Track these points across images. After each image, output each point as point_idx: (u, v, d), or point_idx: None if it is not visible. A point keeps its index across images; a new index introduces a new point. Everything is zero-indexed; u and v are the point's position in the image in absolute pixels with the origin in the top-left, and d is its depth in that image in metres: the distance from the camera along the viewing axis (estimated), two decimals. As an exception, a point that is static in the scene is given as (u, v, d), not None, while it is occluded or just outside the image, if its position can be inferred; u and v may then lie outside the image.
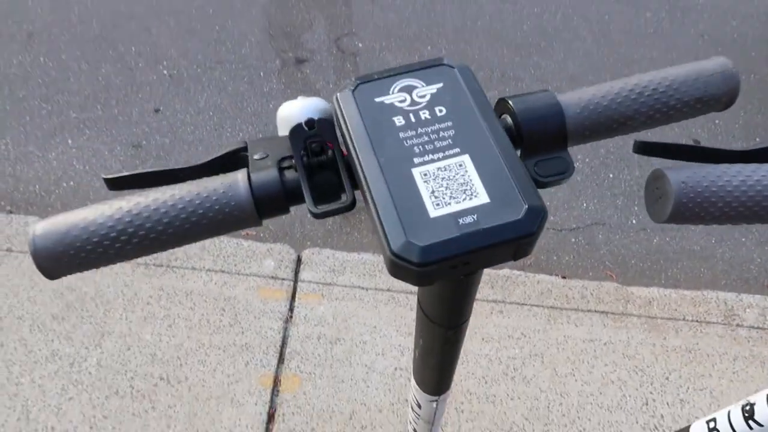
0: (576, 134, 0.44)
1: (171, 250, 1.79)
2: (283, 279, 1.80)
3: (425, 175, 0.37)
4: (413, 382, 0.66)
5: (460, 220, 0.35)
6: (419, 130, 0.39)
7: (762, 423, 0.64)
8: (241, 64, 2.67)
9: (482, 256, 0.35)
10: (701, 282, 2.09)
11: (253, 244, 1.90)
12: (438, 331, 0.51)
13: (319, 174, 0.41)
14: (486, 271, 1.92)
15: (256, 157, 0.43)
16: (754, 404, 0.66)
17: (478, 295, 1.82)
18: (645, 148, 0.50)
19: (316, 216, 0.39)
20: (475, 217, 0.35)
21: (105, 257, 0.39)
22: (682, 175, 0.42)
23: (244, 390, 1.52)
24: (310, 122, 0.41)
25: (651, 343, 1.77)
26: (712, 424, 0.73)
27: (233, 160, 0.45)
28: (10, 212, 1.98)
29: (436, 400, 0.66)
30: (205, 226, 0.40)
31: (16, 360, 1.53)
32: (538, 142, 0.43)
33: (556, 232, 2.24)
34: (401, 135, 0.39)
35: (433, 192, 0.36)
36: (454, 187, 0.36)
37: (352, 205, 0.40)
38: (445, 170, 0.37)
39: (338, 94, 0.42)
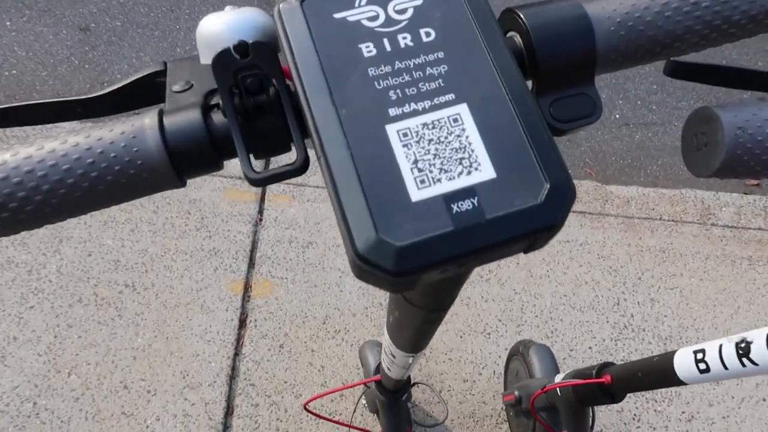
0: (607, 60, 0.33)
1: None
2: (251, 180, 1.71)
3: (405, 135, 0.26)
4: (387, 336, 0.60)
5: (455, 207, 0.25)
6: (397, 64, 0.27)
7: (758, 362, 0.61)
8: (196, -67, 2.37)
9: (483, 256, 0.26)
10: (680, 180, 2.05)
11: (217, 141, 1.78)
12: (417, 313, 0.44)
13: (259, 119, 0.30)
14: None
15: (175, 88, 0.32)
16: (751, 342, 0.62)
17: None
18: (680, 70, 0.40)
19: (253, 183, 0.30)
20: (475, 201, 0.25)
21: None
22: (738, 119, 0.33)
23: (213, 296, 1.48)
24: (242, 47, 0.29)
25: (626, 243, 1.76)
26: (699, 356, 0.70)
27: (150, 90, 0.34)
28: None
29: (413, 356, 0.61)
30: (105, 192, 0.29)
31: (-31, 268, 1.45)
32: (558, 72, 0.32)
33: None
34: (371, 72, 0.27)
35: (416, 162, 0.25)
36: (446, 155, 0.25)
37: (305, 166, 0.30)
38: (434, 128, 0.26)
39: (280, 5, 0.29)
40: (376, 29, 0.28)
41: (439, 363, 1.45)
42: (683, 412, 1.46)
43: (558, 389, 1.07)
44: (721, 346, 0.67)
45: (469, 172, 0.25)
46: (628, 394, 1.01)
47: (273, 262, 1.56)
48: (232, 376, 1.37)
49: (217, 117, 0.30)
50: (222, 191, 1.67)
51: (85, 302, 1.43)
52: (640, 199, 1.87)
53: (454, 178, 0.25)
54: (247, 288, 1.51)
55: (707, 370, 0.69)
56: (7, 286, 1.43)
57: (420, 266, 0.24)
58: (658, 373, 0.80)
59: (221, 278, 1.51)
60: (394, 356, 0.65)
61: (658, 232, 1.79)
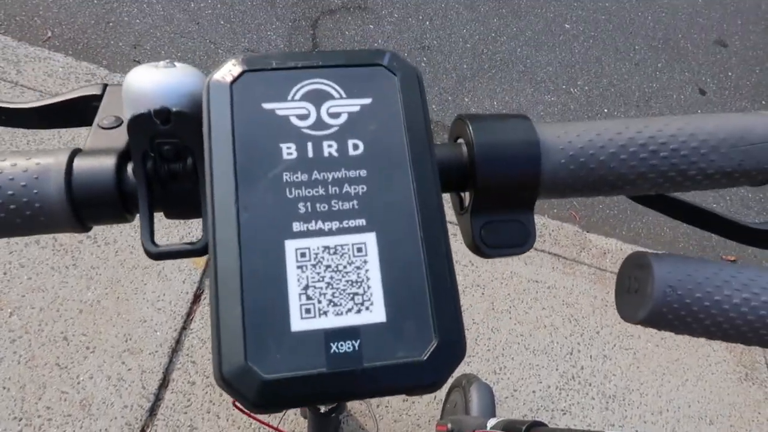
0: (551, 190, 0.32)
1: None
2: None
3: (303, 255, 0.24)
4: None
5: (334, 346, 0.23)
6: (315, 174, 0.25)
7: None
8: None
9: (353, 398, 0.24)
10: (660, 241, 2.06)
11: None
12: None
13: (174, 184, 0.29)
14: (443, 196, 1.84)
15: (104, 123, 0.30)
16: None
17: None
18: (641, 197, 0.39)
19: (151, 256, 0.28)
20: (357, 344, 0.23)
21: None
22: (671, 276, 0.31)
23: (173, 265, 1.46)
24: (163, 113, 0.27)
25: (593, 295, 1.76)
26: None
27: (83, 111, 0.32)
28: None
29: None
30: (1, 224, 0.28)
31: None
32: (497, 194, 0.30)
33: (532, 160, 2.14)
34: (285, 177, 0.25)
35: (306, 288, 0.23)
36: (340, 286, 0.24)
37: (205, 249, 0.28)
38: (335, 253, 0.24)
39: (211, 78, 0.27)
40: (303, 130, 0.26)
41: (383, 377, 1.45)
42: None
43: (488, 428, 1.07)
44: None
45: (359, 311, 0.24)
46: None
47: (241, 243, 1.54)
48: (175, 349, 1.36)
49: (131, 173, 0.28)
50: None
51: (42, 245, 1.40)
52: (616, 253, 1.88)
53: (341, 314, 0.23)
54: (208, 264, 1.49)
55: None
56: (-33, 211, 1.39)
57: (283, 403, 0.23)
58: None
59: (185, 248, 1.49)
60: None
61: (626, 289, 1.79)
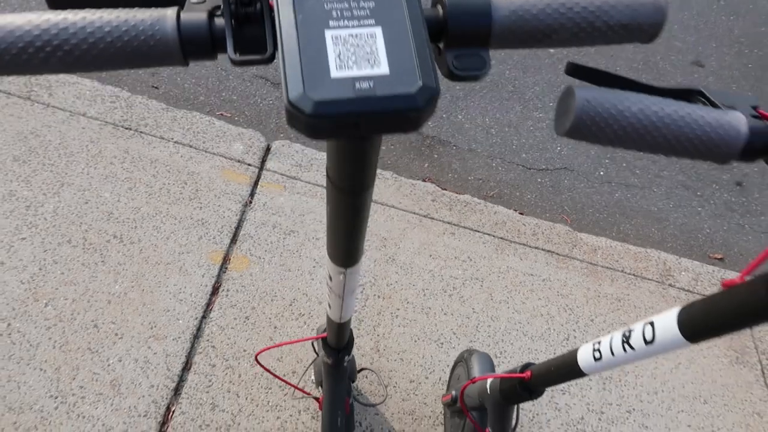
0: (500, 37, 0.46)
1: (140, 118, 1.79)
2: (249, 164, 1.82)
3: (336, 38, 0.38)
4: (327, 255, 0.71)
5: (357, 84, 0.36)
6: None
7: (635, 347, 0.72)
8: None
9: (372, 122, 0.37)
10: (649, 241, 2.17)
11: (225, 125, 1.90)
12: (342, 197, 0.55)
13: (246, 26, 0.42)
14: (446, 193, 1.97)
15: (194, 0, 0.44)
16: (632, 330, 0.73)
17: (433, 214, 1.87)
18: (575, 71, 0.52)
19: (234, 63, 0.41)
20: (371, 83, 0.37)
21: (27, 65, 0.41)
22: (588, 94, 0.45)
23: (193, 261, 1.57)
24: None
25: (586, 287, 1.86)
26: (596, 346, 0.81)
27: None
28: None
29: (344, 273, 0.71)
30: (129, 55, 0.41)
31: (-27, 194, 1.55)
32: (462, 36, 0.45)
33: (524, 170, 2.28)
34: None
35: (339, 55, 0.37)
36: (359, 54, 0.38)
37: (271, 58, 0.42)
38: (356, 38, 0.38)
39: None
40: None
41: (390, 361, 1.54)
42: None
43: (488, 387, 1.16)
44: (612, 337, 0.77)
45: (372, 67, 0.38)
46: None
47: (254, 242, 1.66)
48: (196, 336, 1.46)
49: (218, 22, 0.42)
50: (220, 170, 1.78)
51: (74, 244, 1.52)
52: (606, 249, 1.99)
53: (361, 68, 0.38)
54: (225, 260, 1.61)
55: (600, 358, 0.79)
56: (5, 216, 1.53)
57: (328, 114, 0.36)
58: (565, 367, 0.90)
59: (203, 247, 1.61)
60: (330, 278, 0.74)
61: (617, 282, 1.90)
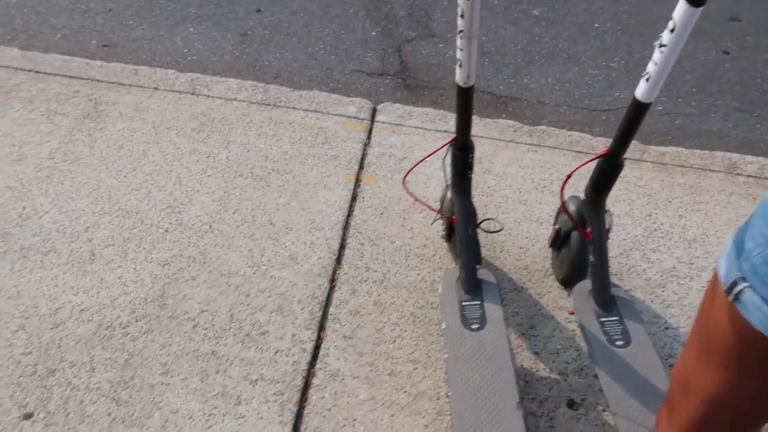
0: None
1: (275, 97, 2.30)
2: (363, 119, 2.28)
3: None
4: None
5: None
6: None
7: (665, 43, 1.07)
8: (327, -23, 3.16)
9: None
10: (713, 153, 2.44)
11: (339, 96, 2.39)
12: None
13: None
14: (524, 126, 2.35)
15: None
16: (660, 36, 1.08)
17: (516, 140, 2.25)
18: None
19: None
20: None
21: None
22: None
23: (333, 181, 2.01)
24: None
25: (660, 179, 2.16)
26: (644, 75, 1.16)
27: None
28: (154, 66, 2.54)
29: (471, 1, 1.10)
30: None
31: (169, 152, 2.07)
32: None
33: (589, 112, 2.63)
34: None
35: None
36: None
37: None
38: None
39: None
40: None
41: (500, 236, 1.88)
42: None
43: (582, 194, 1.49)
44: (651, 58, 1.12)
45: None
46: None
47: (377, 167, 2.08)
48: (346, 227, 1.87)
49: None
50: (341, 124, 2.25)
51: (245, 176, 2.00)
52: (674, 154, 2.28)
53: None
54: (358, 179, 2.03)
55: (648, 77, 1.14)
56: (193, 163, 2.03)
57: None
58: (628, 116, 1.24)
59: (339, 172, 2.05)
60: (462, 16, 1.13)
61: (688, 175, 2.18)
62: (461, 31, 1.17)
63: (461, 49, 1.20)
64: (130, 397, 1.39)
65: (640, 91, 1.19)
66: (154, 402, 1.38)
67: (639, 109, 1.22)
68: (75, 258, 1.70)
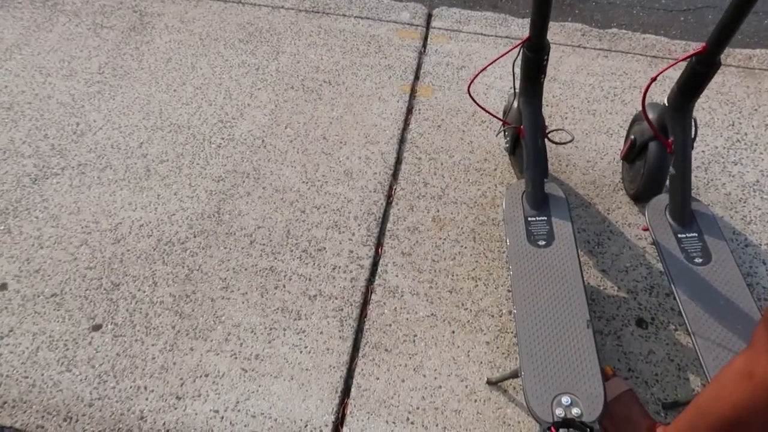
0: None
1: (324, 4, 2.16)
2: (417, 25, 2.14)
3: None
4: None
5: None
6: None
7: None
8: None
9: None
10: (807, 53, 2.19)
11: (391, 2, 2.23)
12: None
13: None
14: (593, 29, 2.15)
15: None
16: None
17: (585, 44, 2.06)
18: None
19: None
20: None
21: None
22: None
23: (388, 93, 1.91)
24: None
25: (745, 85, 1.96)
26: None
27: None
28: (195, -21, 2.42)
29: None
30: None
31: (217, 65, 2.00)
32: None
33: (665, 12, 2.39)
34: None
35: None
36: None
37: None
38: None
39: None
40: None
41: (567, 148, 1.76)
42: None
43: (665, 100, 1.35)
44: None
45: None
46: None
47: (434, 77, 1.96)
48: (401, 140, 1.78)
49: None
50: (395, 31, 2.11)
51: (296, 89, 1.92)
52: (762, 56, 2.06)
53: None
54: (413, 90, 1.92)
55: None
56: (243, 75, 1.96)
57: None
58: (734, 8, 1.08)
59: (394, 83, 1.94)
60: None
61: (778, 80, 1.96)
62: None
63: None
64: (193, 310, 1.40)
65: None
66: (216, 315, 1.39)
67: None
68: (131, 174, 1.69)
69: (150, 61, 2.01)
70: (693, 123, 1.37)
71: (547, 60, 1.32)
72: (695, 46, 2.09)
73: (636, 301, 1.43)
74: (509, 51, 1.36)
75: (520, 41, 1.31)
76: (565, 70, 1.99)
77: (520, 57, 1.35)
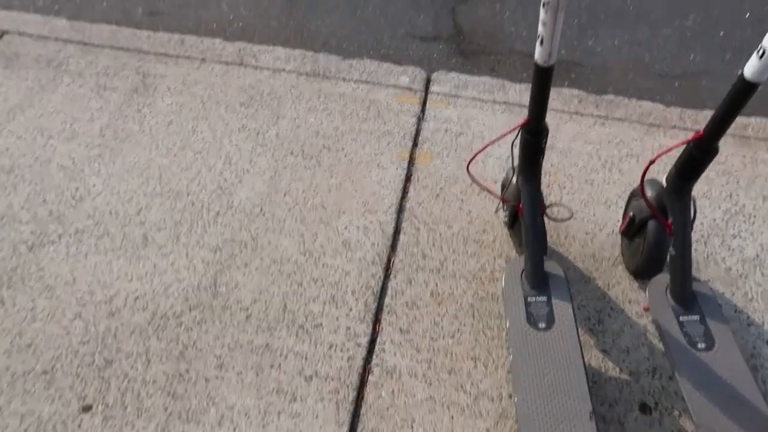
0: None
1: (325, 68, 2.19)
2: (416, 90, 2.16)
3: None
4: None
5: None
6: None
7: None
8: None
9: None
10: (801, 120, 2.22)
11: (390, 65, 2.26)
12: None
13: None
14: (590, 95, 2.17)
15: None
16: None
17: (581, 111, 2.09)
18: None
19: None
20: None
21: None
22: None
23: (387, 160, 1.91)
24: None
25: (742, 155, 1.97)
26: (759, 51, 1.01)
27: None
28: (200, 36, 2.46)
29: None
30: None
31: (218, 128, 2.01)
32: None
33: (660, 78, 2.43)
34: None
35: None
36: None
37: None
38: None
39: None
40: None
41: (564, 221, 1.76)
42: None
43: (664, 180, 1.36)
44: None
45: None
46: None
47: (432, 143, 1.97)
48: (400, 209, 1.78)
49: None
50: (394, 96, 2.13)
51: (295, 155, 1.92)
52: (757, 125, 2.08)
53: None
54: (412, 157, 1.93)
55: (763, 54, 0.99)
56: (243, 141, 1.97)
57: None
58: (733, 95, 1.09)
59: (393, 149, 1.95)
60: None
61: (774, 150, 1.98)
62: (546, 3, 1.03)
63: (544, 24, 1.06)
64: (186, 390, 1.38)
65: (752, 68, 1.05)
66: (209, 397, 1.36)
67: (746, 90, 1.08)
68: (128, 242, 1.68)
69: (151, 124, 2.03)
70: (692, 203, 1.38)
71: (545, 142, 1.33)
72: (690, 114, 2.12)
73: (639, 384, 1.41)
74: (507, 134, 1.37)
75: (518, 125, 1.32)
76: (563, 137, 2.01)
77: (518, 137, 1.36)
